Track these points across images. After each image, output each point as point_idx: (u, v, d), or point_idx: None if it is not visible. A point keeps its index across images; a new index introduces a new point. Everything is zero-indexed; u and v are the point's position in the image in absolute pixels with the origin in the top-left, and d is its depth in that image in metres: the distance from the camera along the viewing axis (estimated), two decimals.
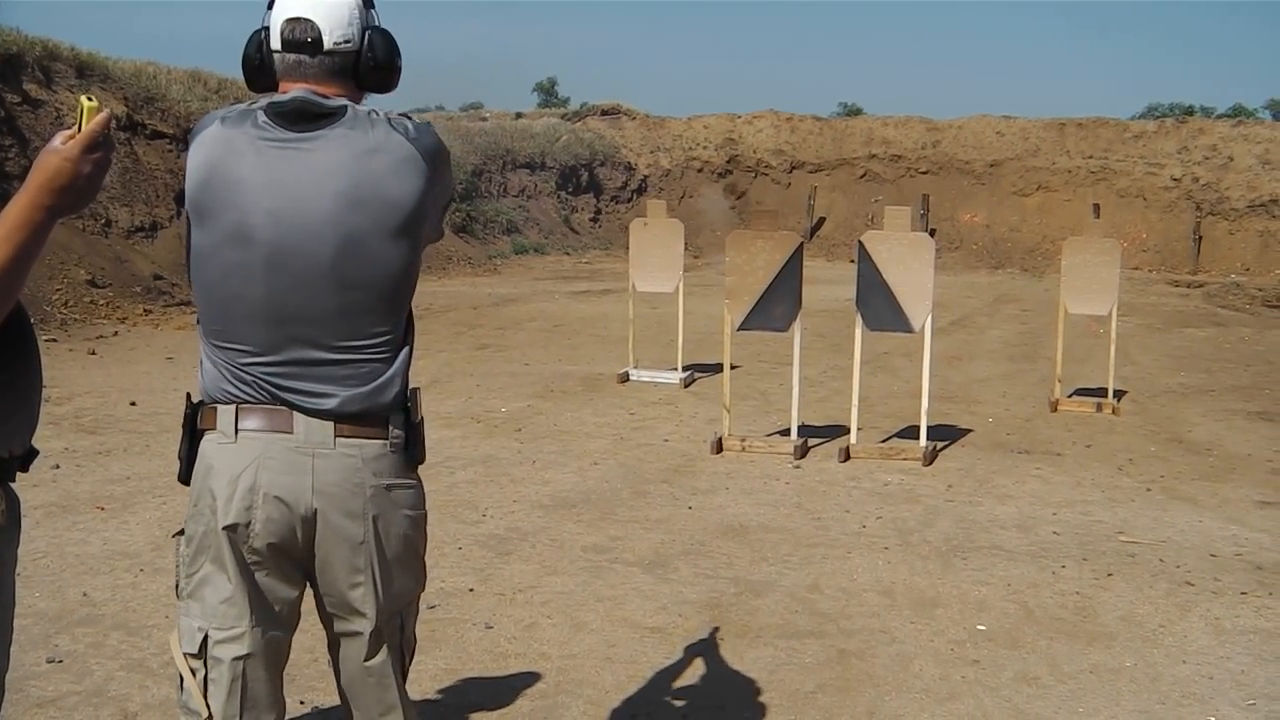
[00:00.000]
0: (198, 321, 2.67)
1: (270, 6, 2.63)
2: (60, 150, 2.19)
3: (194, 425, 2.64)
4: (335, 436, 2.57)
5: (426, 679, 4.41)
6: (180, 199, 2.66)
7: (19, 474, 2.38)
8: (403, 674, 2.77)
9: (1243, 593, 5.69)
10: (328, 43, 2.58)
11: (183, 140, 16.66)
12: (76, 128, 2.21)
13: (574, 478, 7.58)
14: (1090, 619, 5.30)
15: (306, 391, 2.56)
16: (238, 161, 2.54)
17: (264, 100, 2.59)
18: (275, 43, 2.60)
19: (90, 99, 2.25)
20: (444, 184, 2.68)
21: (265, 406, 2.57)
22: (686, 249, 12.03)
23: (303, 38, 2.57)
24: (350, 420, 2.58)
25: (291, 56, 2.59)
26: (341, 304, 2.54)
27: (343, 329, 2.56)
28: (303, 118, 2.54)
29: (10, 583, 2.40)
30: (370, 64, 2.63)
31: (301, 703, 4.14)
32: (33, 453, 2.41)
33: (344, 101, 2.57)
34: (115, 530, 6.13)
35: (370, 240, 2.53)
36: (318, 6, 2.58)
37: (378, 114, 2.57)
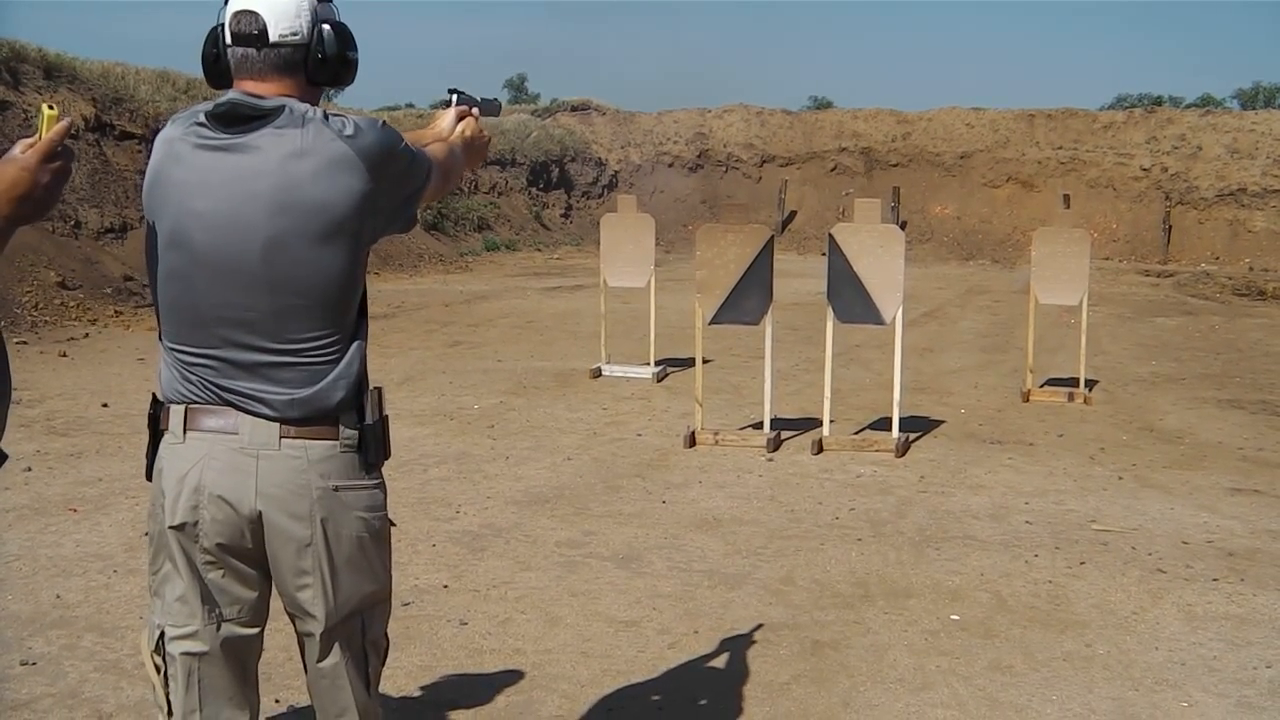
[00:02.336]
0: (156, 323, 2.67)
1: (225, 2, 2.61)
2: (19, 160, 2.17)
3: (157, 425, 2.65)
4: (280, 438, 2.55)
5: (402, 676, 4.41)
6: None
7: None
8: (369, 677, 2.75)
9: (1214, 579, 5.73)
10: (273, 35, 2.56)
11: (152, 140, 16.62)
12: (37, 136, 2.19)
13: (547, 473, 7.58)
14: (1063, 607, 5.33)
15: (249, 394, 2.55)
16: (175, 164, 2.55)
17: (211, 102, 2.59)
18: (227, 37, 2.59)
19: (51, 107, 2.22)
20: (396, 178, 2.62)
21: (212, 407, 2.56)
22: (657, 243, 12.03)
23: (248, 30, 2.56)
24: (295, 422, 2.55)
25: (240, 51, 2.57)
26: (276, 307, 2.52)
27: (280, 331, 2.53)
28: (236, 119, 2.53)
29: None
30: (319, 57, 2.60)
31: (277, 701, 4.14)
32: (2, 456, 2.40)
33: (281, 101, 2.54)
34: (88, 532, 6.10)
35: (297, 244, 2.50)
36: None
37: (314, 113, 2.53)
